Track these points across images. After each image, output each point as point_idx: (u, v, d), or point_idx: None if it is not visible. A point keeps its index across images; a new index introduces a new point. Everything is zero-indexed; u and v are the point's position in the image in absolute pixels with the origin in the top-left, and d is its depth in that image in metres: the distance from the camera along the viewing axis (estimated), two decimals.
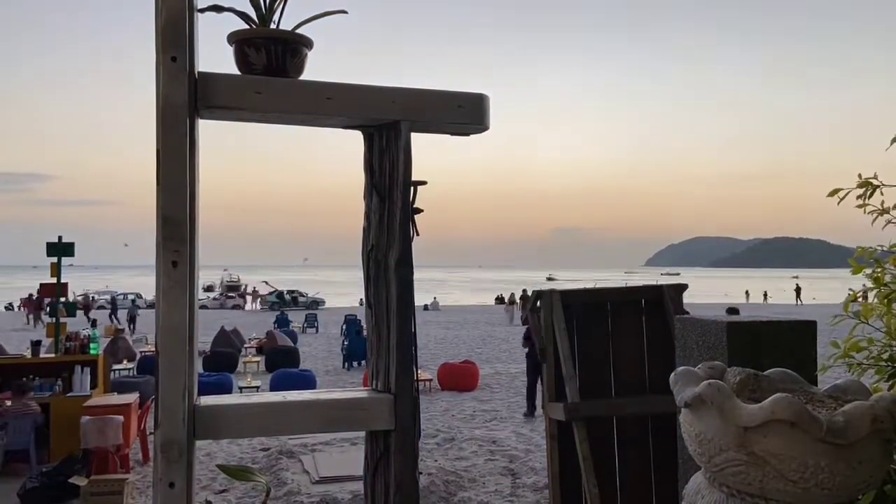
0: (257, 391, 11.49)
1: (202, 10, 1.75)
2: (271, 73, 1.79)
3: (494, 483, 7.36)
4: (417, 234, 1.89)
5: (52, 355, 8.97)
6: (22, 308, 44.02)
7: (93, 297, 42.76)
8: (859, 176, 2.32)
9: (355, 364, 16.92)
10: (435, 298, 46.26)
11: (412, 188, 1.87)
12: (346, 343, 18.04)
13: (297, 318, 29.23)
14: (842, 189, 2.35)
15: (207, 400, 1.82)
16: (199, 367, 1.89)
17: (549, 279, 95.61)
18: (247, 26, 1.81)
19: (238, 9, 1.80)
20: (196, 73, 1.72)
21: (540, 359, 4.95)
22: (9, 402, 7.76)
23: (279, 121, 1.86)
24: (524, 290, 27.60)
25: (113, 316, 32.49)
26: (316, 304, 43.91)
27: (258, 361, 16.47)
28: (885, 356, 2.26)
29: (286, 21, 1.83)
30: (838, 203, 2.35)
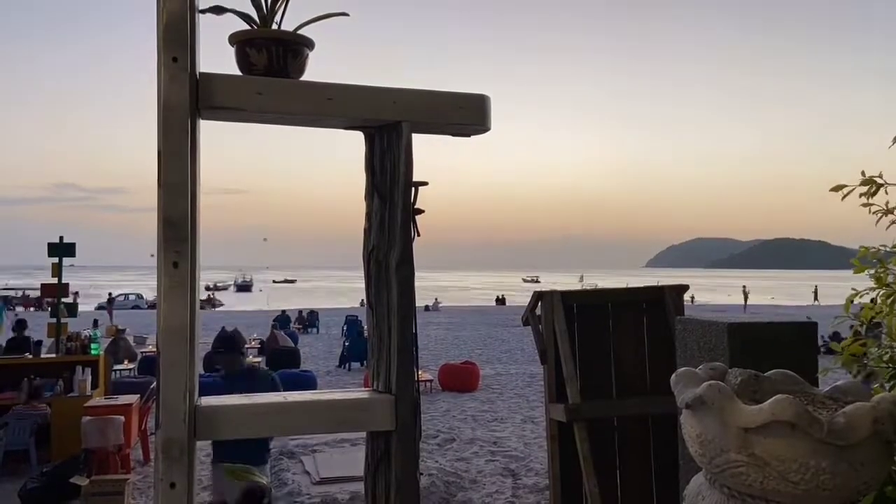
0: None
1: (203, 11, 1.75)
2: (272, 74, 1.79)
3: (495, 484, 7.36)
4: (419, 235, 1.89)
5: (53, 355, 8.98)
6: (25, 309, 44.52)
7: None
8: (863, 173, 2.30)
9: (355, 365, 16.92)
10: (436, 299, 46.27)
11: (413, 189, 1.87)
12: (346, 344, 18.04)
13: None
14: (846, 185, 2.32)
15: (208, 400, 1.82)
16: (199, 367, 1.89)
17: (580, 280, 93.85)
18: (248, 27, 1.81)
19: (239, 10, 1.80)
20: (197, 73, 1.72)
21: (540, 360, 4.95)
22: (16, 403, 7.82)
23: (280, 121, 1.86)
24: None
25: None
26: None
27: (259, 362, 16.48)
28: (885, 358, 2.25)
29: (287, 22, 1.83)
30: (842, 199, 2.33)
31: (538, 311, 4.99)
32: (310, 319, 28.40)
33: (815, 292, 51.93)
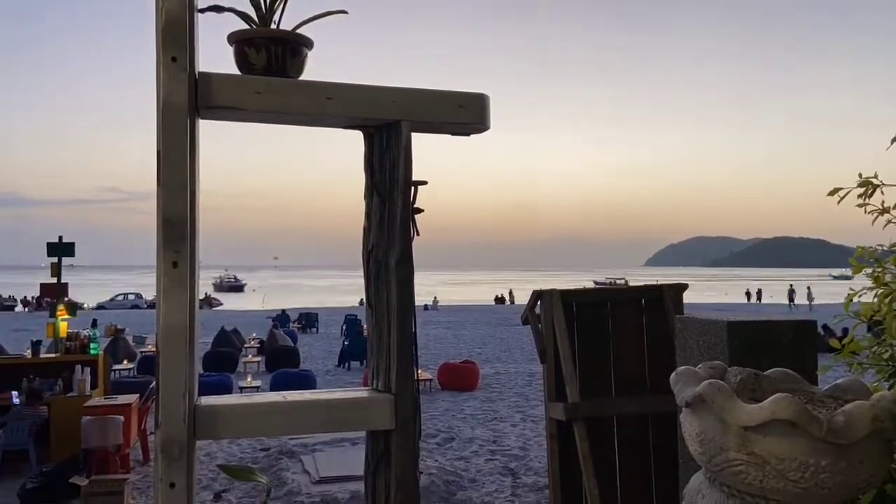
0: (257, 391, 11.49)
1: (202, 11, 1.75)
2: (271, 74, 1.79)
3: (495, 483, 7.36)
4: (418, 234, 1.89)
5: (53, 355, 8.97)
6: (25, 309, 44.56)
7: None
8: (859, 175, 2.31)
9: (354, 364, 16.92)
10: (435, 298, 46.29)
11: (413, 188, 1.87)
12: (345, 343, 18.05)
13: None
14: (842, 189, 2.34)
15: (208, 400, 1.82)
16: (199, 367, 1.89)
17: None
18: (247, 26, 1.81)
19: (238, 9, 1.80)
20: (196, 73, 1.72)
21: (540, 359, 4.95)
22: (16, 401, 7.81)
23: (279, 121, 1.86)
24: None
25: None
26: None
27: (258, 361, 16.47)
28: (885, 355, 2.26)
29: (286, 21, 1.83)
30: (839, 202, 2.34)
31: (537, 310, 5.00)
32: (308, 319, 28.30)
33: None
